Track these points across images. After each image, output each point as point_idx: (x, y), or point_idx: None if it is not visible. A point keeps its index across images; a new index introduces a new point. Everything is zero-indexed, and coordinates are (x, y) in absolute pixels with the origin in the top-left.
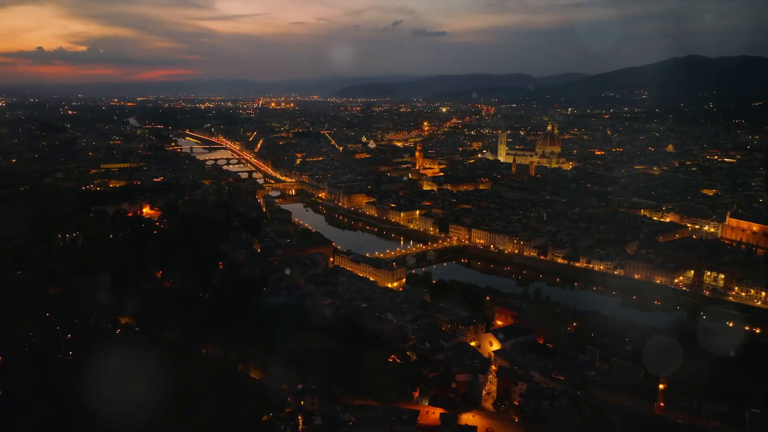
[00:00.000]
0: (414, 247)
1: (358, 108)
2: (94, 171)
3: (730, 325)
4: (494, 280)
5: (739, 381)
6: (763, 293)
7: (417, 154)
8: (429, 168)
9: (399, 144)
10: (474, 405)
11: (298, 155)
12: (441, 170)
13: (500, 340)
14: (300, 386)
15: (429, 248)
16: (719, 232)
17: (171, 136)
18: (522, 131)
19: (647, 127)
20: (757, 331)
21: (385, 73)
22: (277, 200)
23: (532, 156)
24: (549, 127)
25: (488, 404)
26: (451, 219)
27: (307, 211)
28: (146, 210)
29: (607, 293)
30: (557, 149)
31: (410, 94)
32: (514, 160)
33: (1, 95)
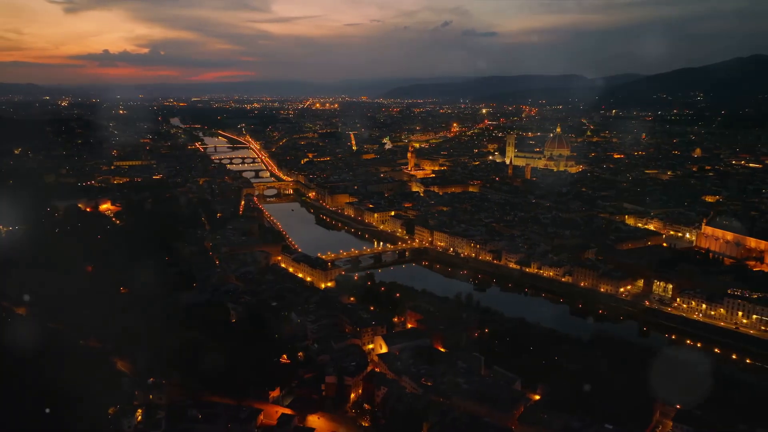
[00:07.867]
0: (369, 249)
1: (398, 109)
2: (105, 168)
3: (673, 337)
4: (453, 283)
5: (623, 395)
6: (704, 305)
7: (409, 155)
8: (422, 170)
9: (416, 145)
10: (338, 407)
11: (309, 155)
12: (433, 172)
13: (393, 344)
14: (150, 380)
15: (386, 250)
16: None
17: (202, 135)
18: (552, 134)
19: (687, 129)
20: (699, 345)
21: (435, 73)
22: (272, 199)
23: (540, 158)
24: (558, 129)
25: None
26: (418, 221)
27: (292, 211)
28: (105, 206)
29: (556, 300)
30: (566, 152)
31: (459, 95)
32: (511, 162)
33: (68, 95)
